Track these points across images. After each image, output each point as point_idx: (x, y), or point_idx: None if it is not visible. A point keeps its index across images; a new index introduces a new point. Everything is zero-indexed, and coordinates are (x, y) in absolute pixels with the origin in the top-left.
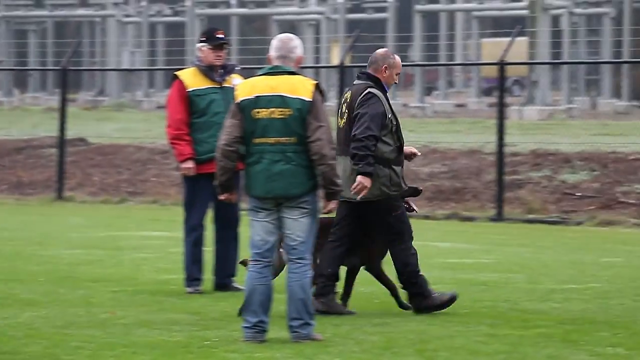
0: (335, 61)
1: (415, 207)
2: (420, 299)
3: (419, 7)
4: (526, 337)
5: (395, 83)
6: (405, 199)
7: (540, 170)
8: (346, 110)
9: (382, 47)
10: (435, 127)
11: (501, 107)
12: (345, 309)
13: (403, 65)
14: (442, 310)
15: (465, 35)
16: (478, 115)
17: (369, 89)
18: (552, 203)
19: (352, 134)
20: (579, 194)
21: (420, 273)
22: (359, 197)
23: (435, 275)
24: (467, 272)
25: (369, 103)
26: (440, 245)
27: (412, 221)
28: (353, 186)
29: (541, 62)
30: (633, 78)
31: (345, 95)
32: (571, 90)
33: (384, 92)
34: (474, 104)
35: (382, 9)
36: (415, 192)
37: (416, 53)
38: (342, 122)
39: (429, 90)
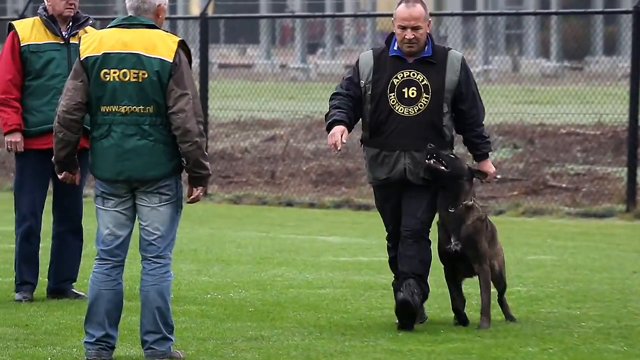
0: (196, 11)
1: None
2: None
3: None
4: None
5: None
6: None
7: None
8: None
9: None
10: (320, 93)
11: None
12: None
13: (282, 17)
14: (331, 321)
15: None
16: None
17: None
18: None
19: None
20: (498, 176)
21: None
22: None
23: (324, 276)
24: (363, 274)
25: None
26: (330, 240)
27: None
28: None
29: (451, 13)
30: (563, 33)
31: None
32: (489, 47)
33: None
34: None
35: None
36: None
37: (296, 1)
38: None
39: (312, 47)
